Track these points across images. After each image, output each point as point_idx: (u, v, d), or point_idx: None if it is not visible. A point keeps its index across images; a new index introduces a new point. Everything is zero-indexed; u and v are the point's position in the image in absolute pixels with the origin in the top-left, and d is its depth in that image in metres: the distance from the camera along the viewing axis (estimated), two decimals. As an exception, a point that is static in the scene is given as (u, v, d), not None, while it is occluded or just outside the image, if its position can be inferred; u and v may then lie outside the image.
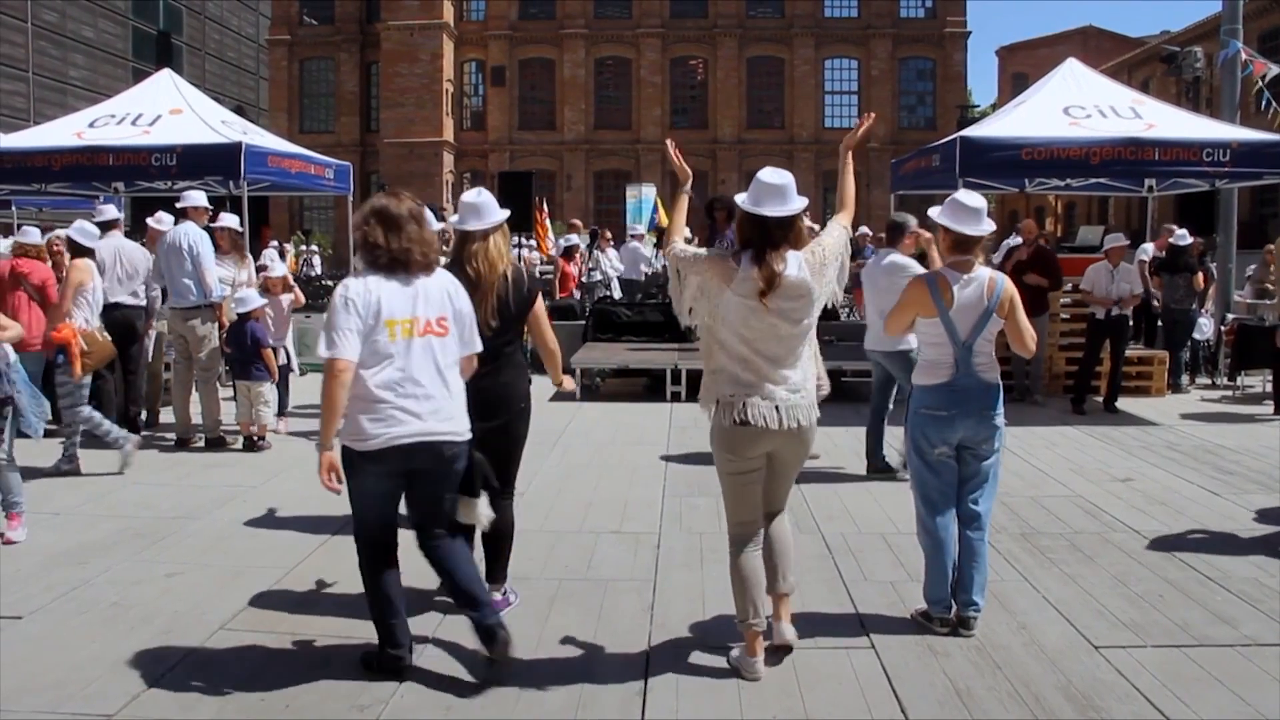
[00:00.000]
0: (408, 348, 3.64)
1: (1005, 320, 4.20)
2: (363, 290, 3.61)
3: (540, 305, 4.45)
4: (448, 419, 3.71)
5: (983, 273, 4.22)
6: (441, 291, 3.77)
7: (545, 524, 5.78)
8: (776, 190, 3.71)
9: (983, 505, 4.28)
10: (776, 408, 3.68)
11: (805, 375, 3.81)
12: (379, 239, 3.67)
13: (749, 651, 3.80)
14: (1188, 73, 20.39)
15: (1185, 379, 11.50)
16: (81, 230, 7.35)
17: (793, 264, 3.69)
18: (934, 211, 4.36)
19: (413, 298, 3.68)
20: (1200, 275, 11.35)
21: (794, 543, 4.09)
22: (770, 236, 3.69)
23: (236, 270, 8.81)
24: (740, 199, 3.79)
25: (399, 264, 3.68)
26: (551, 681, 3.74)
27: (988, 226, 4.22)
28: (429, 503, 3.83)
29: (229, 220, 8.50)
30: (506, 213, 4.35)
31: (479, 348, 3.91)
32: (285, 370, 8.81)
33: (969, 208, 4.20)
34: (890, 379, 7.09)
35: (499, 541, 4.46)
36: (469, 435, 3.81)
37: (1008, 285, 4.22)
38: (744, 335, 3.71)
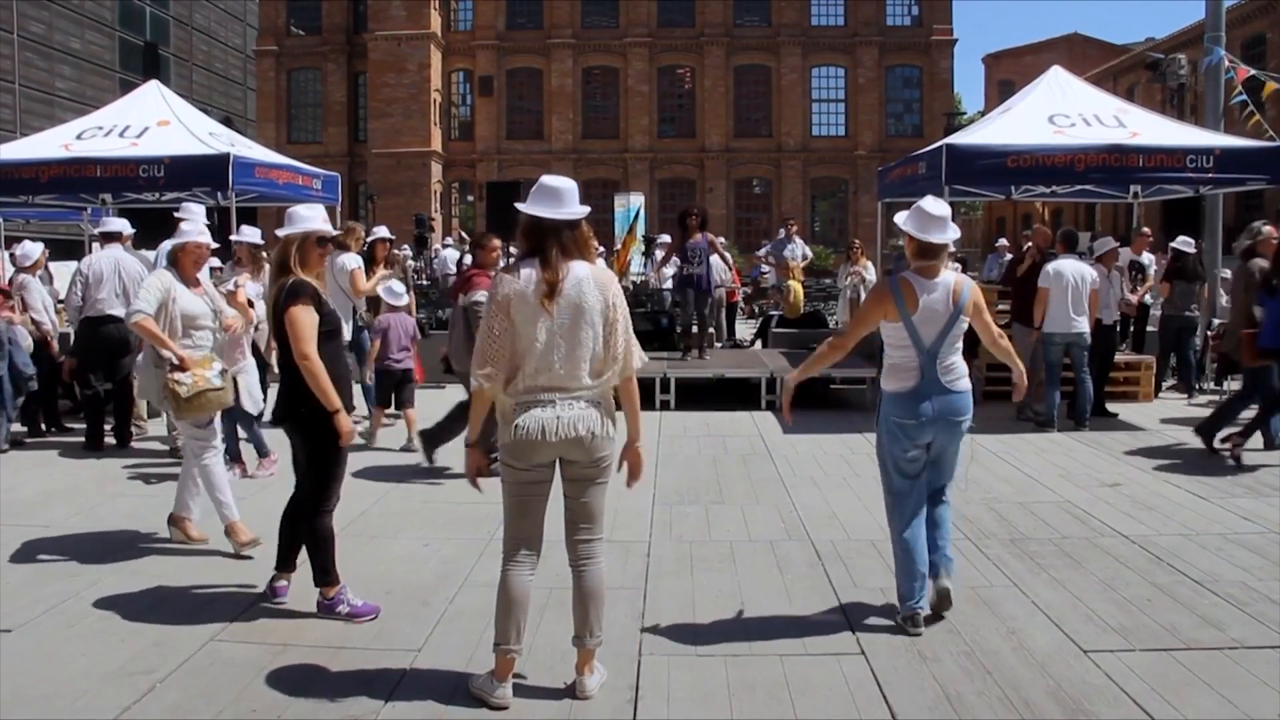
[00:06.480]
0: None
1: (974, 320, 4.33)
2: None
3: None
4: None
5: (948, 277, 4.30)
6: None
7: (536, 533, 5.76)
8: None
9: (945, 479, 4.50)
10: None
11: None
12: None
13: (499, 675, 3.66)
14: (1172, 80, 20.58)
15: (1170, 382, 11.57)
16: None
17: None
18: (899, 218, 4.41)
19: None
20: (1205, 282, 11.41)
21: None
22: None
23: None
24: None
25: None
26: (543, 689, 3.74)
27: (952, 234, 4.28)
28: None
29: (250, 234, 8.39)
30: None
31: None
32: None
33: (933, 215, 4.25)
34: None
35: None
36: None
37: (974, 288, 4.32)
38: None
